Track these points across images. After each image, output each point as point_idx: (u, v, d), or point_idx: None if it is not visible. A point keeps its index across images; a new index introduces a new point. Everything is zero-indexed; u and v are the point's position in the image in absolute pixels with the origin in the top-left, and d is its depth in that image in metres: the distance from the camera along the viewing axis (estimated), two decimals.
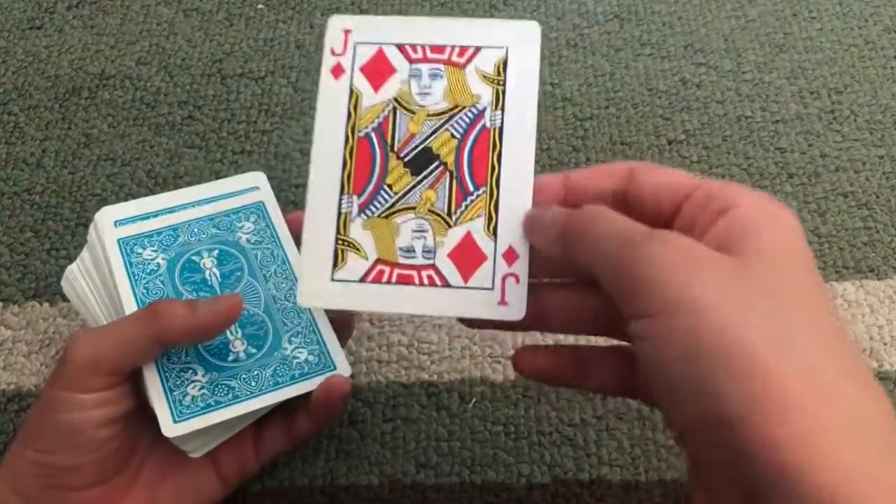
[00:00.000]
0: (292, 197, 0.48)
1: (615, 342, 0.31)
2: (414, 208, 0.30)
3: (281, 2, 0.59)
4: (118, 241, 0.37)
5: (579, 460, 0.39)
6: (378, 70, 0.31)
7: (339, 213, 0.30)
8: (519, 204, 0.29)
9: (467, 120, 0.30)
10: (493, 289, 0.29)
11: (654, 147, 0.50)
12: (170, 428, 0.33)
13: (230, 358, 0.35)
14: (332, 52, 0.31)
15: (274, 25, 0.57)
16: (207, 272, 0.37)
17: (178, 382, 0.34)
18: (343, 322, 0.37)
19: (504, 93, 0.30)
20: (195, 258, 0.37)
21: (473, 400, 0.41)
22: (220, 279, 0.37)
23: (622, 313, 0.24)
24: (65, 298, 0.45)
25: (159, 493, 0.34)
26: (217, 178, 0.49)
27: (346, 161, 0.30)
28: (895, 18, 0.56)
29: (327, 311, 0.37)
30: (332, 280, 0.30)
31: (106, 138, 0.52)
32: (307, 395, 0.35)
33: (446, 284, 0.29)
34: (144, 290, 0.36)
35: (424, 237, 0.30)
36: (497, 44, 0.31)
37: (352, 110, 0.31)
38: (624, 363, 0.30)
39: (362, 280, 0.30)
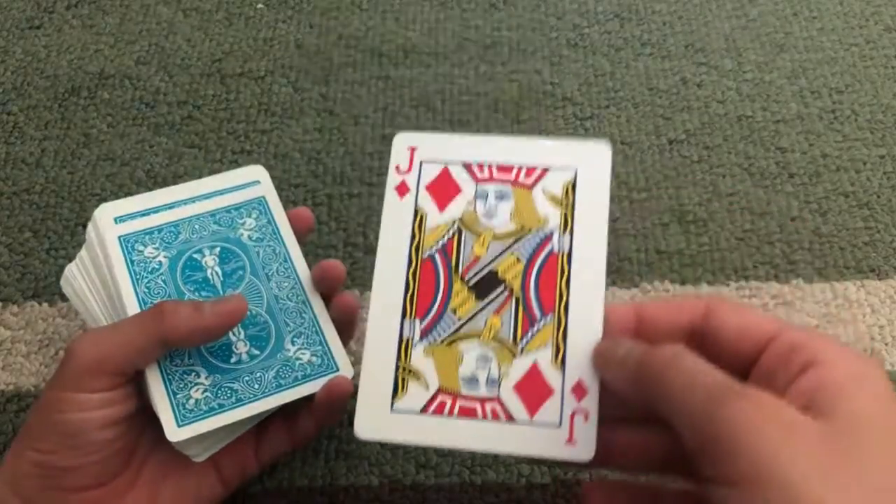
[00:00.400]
0: (292, 197, 0.48)
1: (689, 487, 0.29)
2: (479, 335, 0.29)
3: (280, 1, 0.59)
4: (119, 238, 0.36)
5: None
6: (444, 189, 0.30)
7: (401, 339, 0.29)
8: (589, 334, 0.28)
9: (534, 244, 0.29)
10: (560, 426, 0.27)
11: (655, 147, 0.50)
12: (174, 432, 0.32)
13: (233, 360, 0.34)
14: (398, 170, 0.31)
15: (273, 25, 0.57)
16: (209, 271, 0.36)
17: (181, 385, 0.33)
18: (346, 323, 0.37)
19: (573, 216, 0.29)
20: (197, 256, 0.37)
21: None
22: (222, 278, 0.36)
23: (702, 470, 0.23)
24: (64, 298, 0.44)
25: (159, 494, 0.34)
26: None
27: (410, 283, 0.29)
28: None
29: (330, 311, 0.36)
30: (392, 411, 0.28)
31: (105, 138, 0.52)
32: (310, 396, 0.35)
33: (511, 419, 0.28)
34: (146, 290, 0.35)
35: (489, 367, 0.29)
36: (566, 165, 0.30)
37: (416, 230, 0.30)
38: None
39: (423, 411, 0.28)
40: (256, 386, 0.34)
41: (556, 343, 0.28)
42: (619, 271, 0.45)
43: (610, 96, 0.52)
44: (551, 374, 0.28)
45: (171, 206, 0.37)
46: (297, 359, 0.35)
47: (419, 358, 0.29)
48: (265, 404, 0.34)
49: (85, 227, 0.47)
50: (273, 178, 0.50)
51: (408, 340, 0.29)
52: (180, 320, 0.32)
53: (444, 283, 0.29)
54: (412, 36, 0.56)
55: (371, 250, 0.46)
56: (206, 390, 0.33)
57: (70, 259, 0.46)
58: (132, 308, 0.35)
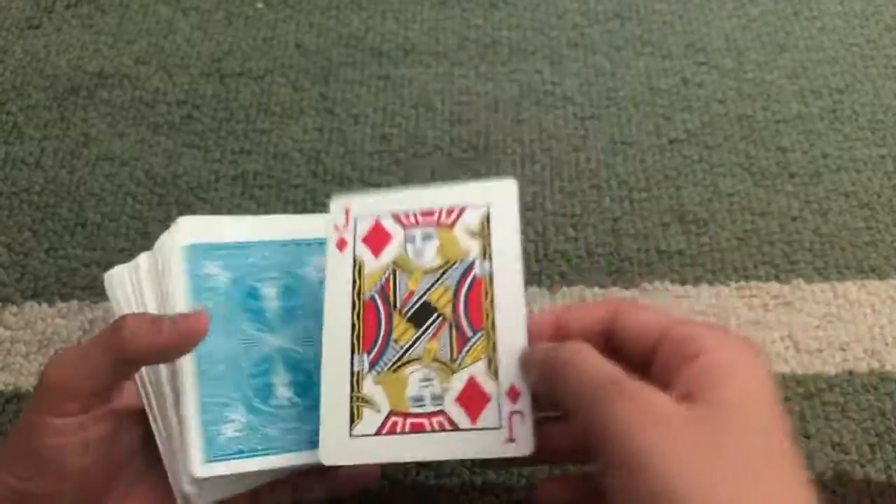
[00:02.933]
0: (291, 197, 0.48)
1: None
2: (420, 359, 0.32)
3: (280, 1, 0.59)
4: (181, 248, 0.34)
5: None
6: (377, 239, 0.34)
7: (352, 373, 0.32)
8: (515, 344, 0.31)
9: (460, 272, 0.33)
10: (500, 427, 0.30)
11: (655, 146, 0.50)
12: (202, 467, 0.30)
13: (272, 403, 0.33)
14: (336, 228, 0.34)
15: (273, 25, 0.57)
16: (267, 303, 0.35)
17: (215, 418, 0.31)
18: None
19: (490, 244, 0.33)
20: (257, 285, 0.35)
21: None
22: (277, 314, 0.34)
23: (594, 460, 0.26)
24: (64, 298, 0.44)
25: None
26: (216, 177, 0.49)
27: (355, 324, 0.33)
28: None
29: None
30: (351, 436, 0.31)
31: (104, 138, 0.51)
32: None
33: (456, 428, 0.31)
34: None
35: (432, 385, 0.32)
36: (480, 202, 0.34)
37: (356, 277, 0.33)
38: None
39: (378, 433, 0.31)
40: (290, 437, 0.32)
41: (488, 356, 0.31)
42: (619, 271, 0.45)
43: (610, 96, 0.52)
44: (487, 384, 0.31)
45: (246, 251, 0.35)
46: None
47: (370, 386, 0.32)
48: (293, 460, 0.32)
49: (84, 226, 0.47)
50: (272, 177, 0.50)
51: (358, 373, 0.32)
52: (137, 337, 0.30)
53: (385, 319, 0.33)
54: (412, 35, 0.56)
55: None
56: (239, 430, 0.32)
57: (69, 259, 0.46)
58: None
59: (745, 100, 0.52)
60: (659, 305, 0.44)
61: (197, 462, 0.30)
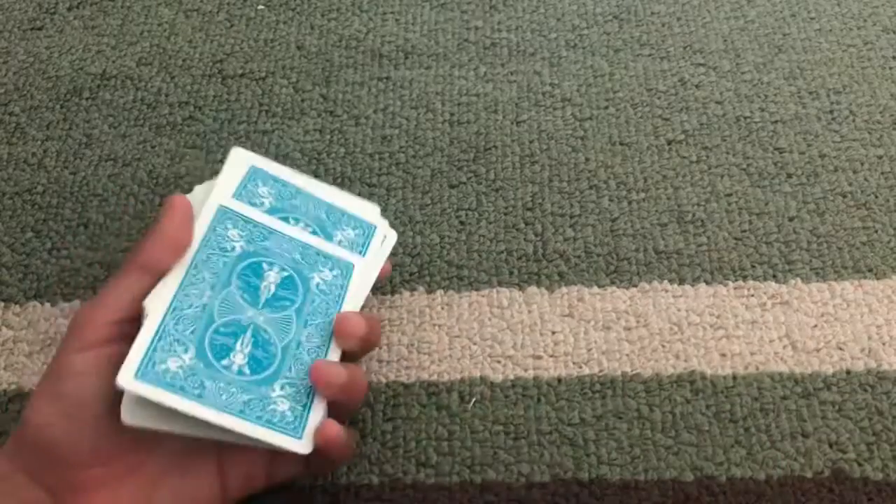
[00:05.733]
0: None
1: None
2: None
3: (281, 3, 0.59)
4: (219, 206, 0.37)
5: (579, 460, 0.39)
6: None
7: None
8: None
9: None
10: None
11: (654, 147, 0.50)
12: (127, 379, 0.31)
13: (223, 362, 0.34)
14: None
15: (274, 26, 0.58)
16: (265, 284, 0.36)
17: (165, 346, 0.32)
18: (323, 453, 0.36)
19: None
20: (266, 265, 0.37)
21: (473, 400, 0.41)
22: (269, 296, 0.36)
23: None
24: (65, 298, 0.45)
25: (158, 488, 0.34)
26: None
27: None
28: (893, 19, 0.56)
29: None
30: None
31: (107, 139, 0.52)
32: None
33: None
34: (205, 258, 0.35)
35: None
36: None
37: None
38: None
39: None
40: (223, 397, 0.33)
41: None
42: (617, 271, 0.45)
43: (609, 97, 0.53)
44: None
45: (296, 193, 0.39)
46: (275, 403, 0.34)
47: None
48: (218, 418, 0.32)
49: (86, 227, 0.48)
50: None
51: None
52: (147, 245, 0.34)
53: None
54: (412, 37, 0.57)
55: None
56: (181, 367, 0.32)
57: (72, 259, 0.46)
58: (184, 261, 0.35)
59: (742, 101, 0.52)
60: (751, 305, 0.44)
61: (127, 373, 0.31)
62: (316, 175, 0.50)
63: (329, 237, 0.39)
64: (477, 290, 0.45)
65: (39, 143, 0.52)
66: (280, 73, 0.55)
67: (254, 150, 0.51)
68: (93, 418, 0.32)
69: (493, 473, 0.39)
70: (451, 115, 0.52)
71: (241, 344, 0.34)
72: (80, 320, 0.33)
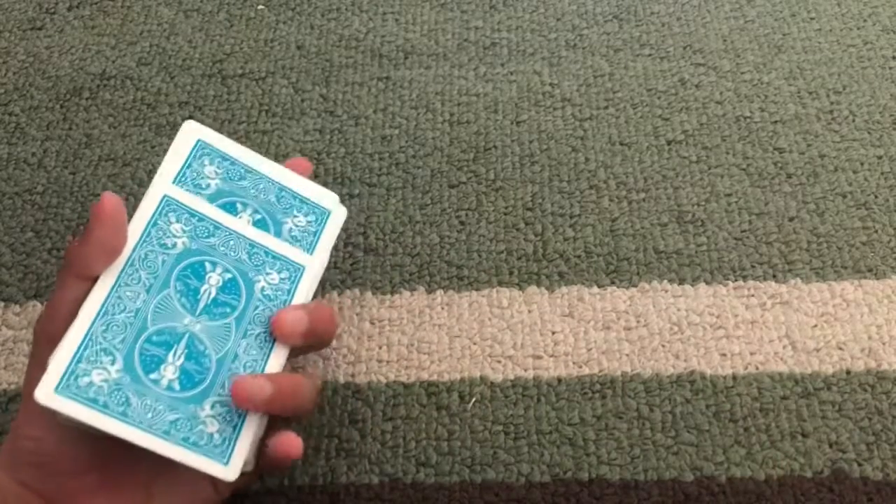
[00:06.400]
0: None
1: None
2: None
3: (281, 3, 0.59)
4: (163, 196, 0.34)
5: (578, 460, 0.39)
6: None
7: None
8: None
9: None
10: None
11: (653, 147, 0.50)
12: (46, 394, 0.29)
13: (153, 376, 0.31)
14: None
15: (274, 26, 0.58)
16: (205, 287, 0.34)
17: (92, 356, 0.30)
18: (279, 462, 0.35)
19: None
20: (208, 265, 0.34)
21: (473, 399, 0.41)
22: (209, 301, 0.34)
23: None
24: None
25: (154, 489, 0.34)
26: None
27: None
28: (893, 19, 0.56)
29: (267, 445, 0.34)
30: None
31: (107, 139, 0.52)
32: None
33: None
34: (143, 255, 0.33)
35: None
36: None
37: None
38: None
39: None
40: (149, 416, 0.31)
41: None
42: (617, 271, 0.45)
43: (609, 97, 0.53)
44: None
45: (245, 174, 0.37)
46: (203, 423, 0.32)
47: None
48: (141, 439, 0.30)
49: (86, 227, 0.48)
50: None
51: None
52: (78, 250, 0.32)
53: None
54: (412, 37, 0.57)
55: (371, 250, 0.46)
56: (106, 381, 0.30)
57: None
58: (121, 259, 0.33)
59: (742, 101, 0.52)
60: (751, 305, 0.44)
61: (47, 387, 0.29)
62: (315, 176, 0.50)
63: (278, 225, 0.36)
64: (477, 290, 0.45)
65: (39, 142, 0.52)
66: (280, 73, 0.55)
67: (255, 151, 0.51)
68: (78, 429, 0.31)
69: (493, 473, 0.39)
70: (451, 115, 0.52)
71: (174, 356, 0.32)
72: (36, 336, 0.32)
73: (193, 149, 0.35)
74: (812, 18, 0.56)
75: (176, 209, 0.34)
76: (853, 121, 0.51)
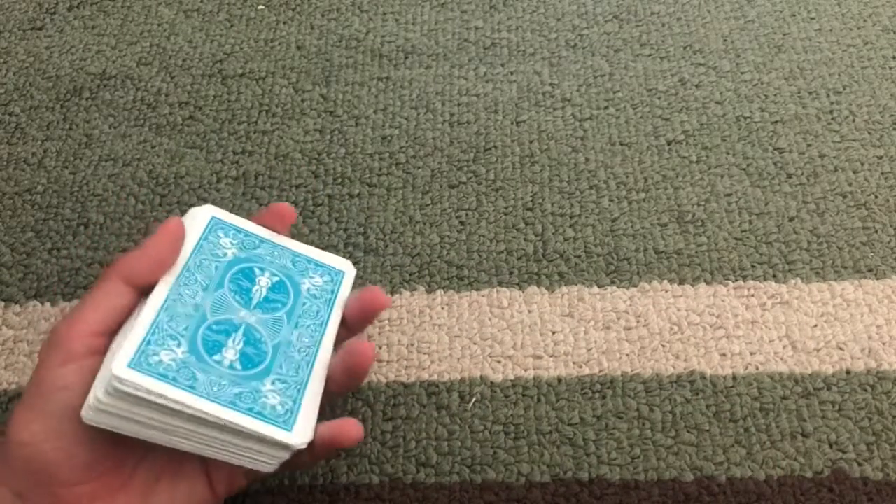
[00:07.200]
0: (292, 197, 0.49)
1: None
2: None
3: (281, 3, 0.59)
4: (212, 217, 0.38)
5: (579, 460, 0.39)
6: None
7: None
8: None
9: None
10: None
11: (654, 147, 0.50)
12: (122, 368, 0.31)
13: (215, 357, 0.34)
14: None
15: (274, 26, 0.58)
16: (256, 287, 0.37)
17: (159, 341, 0.33)
18: (354, 370, 0.36)
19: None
20: (257, 271, 0.38)
21: (473, 399, 0.41)
22: (260, 299, 0.37)
23: None
24: (65, 298, 0.45)
25: (152, 495, 0.33)
26: (218, 178, 0.50)
27: None
28: (893, 19, 0.56)
29: (340, 354, 0.37)
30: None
31: (107, 139, 0.52)
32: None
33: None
34: (198, 262, 0.36)
35: None
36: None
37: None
38: None
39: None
40: (215, 389, 0.33)
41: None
42: (617, 271, 0.45)
43: (609, 97, 0.53)
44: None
45: (259, 243, 0.39)
46: (265, 396, 0.34)
47: None
48: (209, 407, 0.32)
49: (87, 226, 0.48)
50: (273, 178, 0.51)
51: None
52: (130, 258, 0.34)
53: None
54: (412, 37, 0.57)
55: (371, 250, 0.46)
56: (174, 360, 0.33)
57: (72, 259, 0.46)
58: (176, 267, 0.35)
59: (742, 101, 0.52)
60: (751, 305, 0.44)
61: (122, 362, 0.31)
62: (315, 176, 0.50)
63: (296, 286, 0.39)
64: (477, 290, 0.45)
65: (39, 142, 0.52)
66: (280, 73, 0.55)
67: (254, 150, 0.51)
68: (81, 433, 0.31)
69: (493, 473, 0.39)
70: (451, 115, 0.52)
71: (233, 341, 0.35)
72: (61, 333, 0.32)
73: (209, 225, 0.38)
74: (812, 18, 0.56)
75: (223, 227, 0.38)
76: (853, 121, 0.51)
